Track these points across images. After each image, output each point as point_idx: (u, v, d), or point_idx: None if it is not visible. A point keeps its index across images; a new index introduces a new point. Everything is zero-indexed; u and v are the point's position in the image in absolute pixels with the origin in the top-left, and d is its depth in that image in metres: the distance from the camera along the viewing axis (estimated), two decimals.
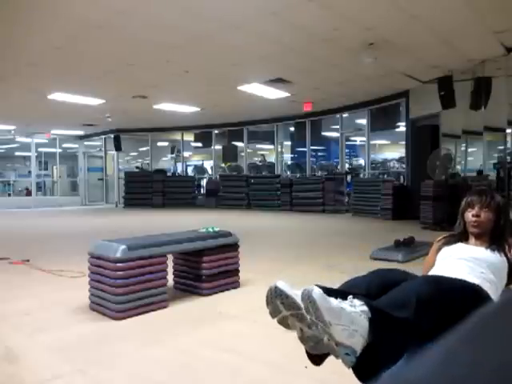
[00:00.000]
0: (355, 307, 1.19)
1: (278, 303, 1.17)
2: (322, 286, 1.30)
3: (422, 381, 0.27)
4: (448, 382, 0.26)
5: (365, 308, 1.19)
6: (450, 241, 1.85)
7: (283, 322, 1.20)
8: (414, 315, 1.23)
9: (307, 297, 1.13)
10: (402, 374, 0.28)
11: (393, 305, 1.26)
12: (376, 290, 1.37)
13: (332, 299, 1.17)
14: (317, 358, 1.26)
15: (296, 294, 1.17)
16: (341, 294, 1.27)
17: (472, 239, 1.80)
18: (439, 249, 1.85)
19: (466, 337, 0.29)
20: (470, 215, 1.79)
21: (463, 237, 1.83)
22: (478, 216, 1.76)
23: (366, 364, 1.19)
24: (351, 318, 1.15)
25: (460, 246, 1.78)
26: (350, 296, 1.24)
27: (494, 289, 1.56)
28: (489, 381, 0.24)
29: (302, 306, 1.14)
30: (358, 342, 1.14)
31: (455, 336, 0.29)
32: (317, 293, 1.14)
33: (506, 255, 1.69)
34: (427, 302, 1.28)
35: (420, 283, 1.37)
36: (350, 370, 1.78)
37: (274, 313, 1.20)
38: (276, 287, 1.18)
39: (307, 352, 1.26)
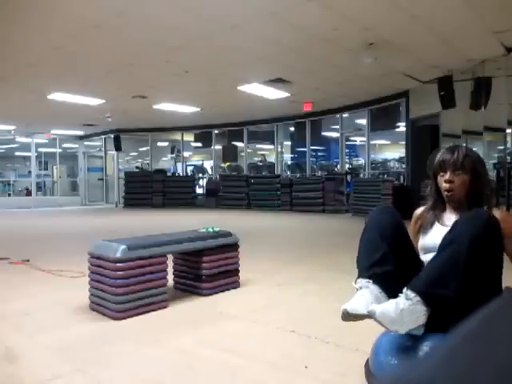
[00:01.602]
0: (411, 300, 1.37)
1: (351, 319, 1.44)
2: (372, 274, 1.52)
3: (423, 379, 0.27)
4: (450, 381, 0.26)
5: (418, 298, 1.37)
6: (427, 222, 1.72)
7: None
8: (464, 267, 1.37)
9: (372, 316, 1.36)
10: (403, 373, 0.28)
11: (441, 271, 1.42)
12: (391, 233, 1.60)
13: (391, 308, 1.35)
14: None
15: (364, 308, 1.40)
16: (383, 269, 1.52)
17: (450, 208, 1.68)
18: (418, 231, 1.75)
19: (467, 336, 0.29)
20: (442, 180, 1.62)
21: (439, 206, 1.70)
22: (451, 182, 1.59)
23: (434, 325, 1.39)
24: (411, 311, 1.34)
25: (437, 231, 1.64)
26: (404, 289, 1.41)
27: None
28: (490, 379, 0.24)
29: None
30: (421, 321, 1.36)
31: (457, 335, 0.29)
32: (378, 314, 1.34)
33: None
34: (478, 238, 1.39)
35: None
36: (350, 370, 1.79)
37: (347, 320, 1.46)
38: (347, 313, 1.42)
39: None
